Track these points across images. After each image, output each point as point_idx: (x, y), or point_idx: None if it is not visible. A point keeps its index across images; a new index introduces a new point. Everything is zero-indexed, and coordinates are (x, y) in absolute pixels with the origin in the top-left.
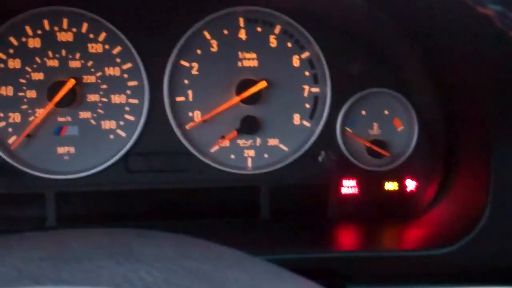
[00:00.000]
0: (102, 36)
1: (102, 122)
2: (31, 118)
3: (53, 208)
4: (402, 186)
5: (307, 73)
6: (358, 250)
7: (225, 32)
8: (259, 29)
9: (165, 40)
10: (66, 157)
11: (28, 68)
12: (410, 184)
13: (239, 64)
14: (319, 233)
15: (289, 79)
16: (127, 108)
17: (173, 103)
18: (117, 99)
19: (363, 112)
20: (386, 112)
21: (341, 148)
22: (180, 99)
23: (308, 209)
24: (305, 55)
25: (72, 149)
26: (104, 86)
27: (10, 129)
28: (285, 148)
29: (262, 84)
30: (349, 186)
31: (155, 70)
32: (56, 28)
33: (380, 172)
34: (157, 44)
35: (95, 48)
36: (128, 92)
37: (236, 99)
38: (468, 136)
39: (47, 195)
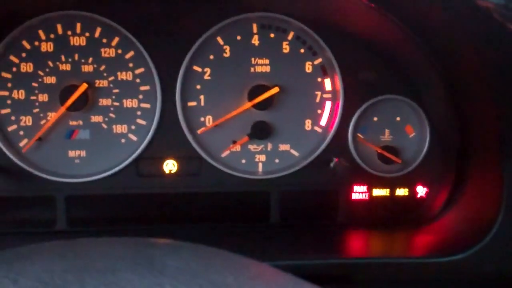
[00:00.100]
0: (115, 40)
1: (114, 126)
2: (42, 122)
3: (63, 211)
4: (412, 192)
5: (319, 79)
6: (368, 256)
7: (238, 38)
8: (272, 35)
9: (178, 45)
10: (77, 161)
11: (40, 72)
12: (421, 190)
13: (252, 69)
14: (330, 239)
15: (301, 85)
16: (138, 113)
17: (185, 108)
18: (129, 103)
19: (375, 119)
20: (398, 118)
21: (352, 154)
22: (192, 104)
23: (318, 214)
24: (318, 61)
25: (83, 153)
26: (116, 91)
27: (21, 132)
28: (296, 153)
29: (275, 90)
30: (359, 192)
31: (168, 75)
32: (69, 33)
33: (391, 178)
34: (170, 49)
35: (108, 52)
36: (140, 96)
37: (248, 104)
38: (480, 143)
39: (57, 198)
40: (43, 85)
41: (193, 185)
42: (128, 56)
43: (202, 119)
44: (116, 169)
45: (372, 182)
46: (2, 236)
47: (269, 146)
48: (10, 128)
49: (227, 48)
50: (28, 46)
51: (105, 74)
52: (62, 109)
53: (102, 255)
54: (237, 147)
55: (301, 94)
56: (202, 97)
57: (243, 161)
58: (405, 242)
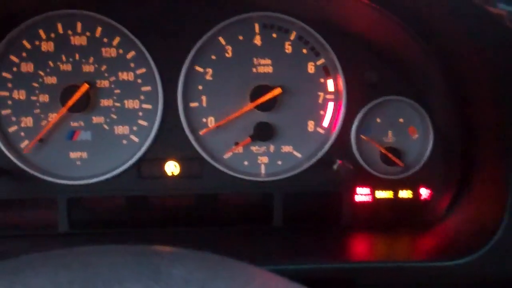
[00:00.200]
0: (116, 40)
1: (115, 127)
2: (43, 123)
3: (65, 214)
4: (416, 194)
5: (322, 80)
6: (371, 260)
7: (240, 38)
8: (274, 35)
9: (179, 45)
10: (78, 162)
11: (41, 72)
12: (425, 193)
13: (254, 70)
14: (333, 241)
15: (303, 86)
16: (140, 113)
17: (187, 108)
18: (130, 104)
19: (378, 120)
20: (401, 120)
21: (355, 155)
22: (194, 104)
23: (322, 216)
24: (320, 62)
25: (84, 154)
26: (117, 91)
27: (22, 134)
28: (299, 155)
29: (277, 91)
30: (363, 194)
31: (169, 75)
32: (69, 32)
33: (394, 180)
34: (171, 49)
35: (109, 52)
36: (142, 97)
37: (251, 105)
38: (485, 145)
39: (59, 200)
40: (43, 85)
41: (195, 187)
42: (129, 56)
43: (204, 120)
44: (118, 170)
45: (375, 184)
46: (3, 238)
47: (272, 148)
48: (10, 129)
49: (229, 48)
50: (28, 46)
51: (106, 74)
52: (63, 110)
53: (108, 265)
54: (240, 149)
55: (304, 95)
56: (204, 97)
57: (246, 162)
58: (409, 245)
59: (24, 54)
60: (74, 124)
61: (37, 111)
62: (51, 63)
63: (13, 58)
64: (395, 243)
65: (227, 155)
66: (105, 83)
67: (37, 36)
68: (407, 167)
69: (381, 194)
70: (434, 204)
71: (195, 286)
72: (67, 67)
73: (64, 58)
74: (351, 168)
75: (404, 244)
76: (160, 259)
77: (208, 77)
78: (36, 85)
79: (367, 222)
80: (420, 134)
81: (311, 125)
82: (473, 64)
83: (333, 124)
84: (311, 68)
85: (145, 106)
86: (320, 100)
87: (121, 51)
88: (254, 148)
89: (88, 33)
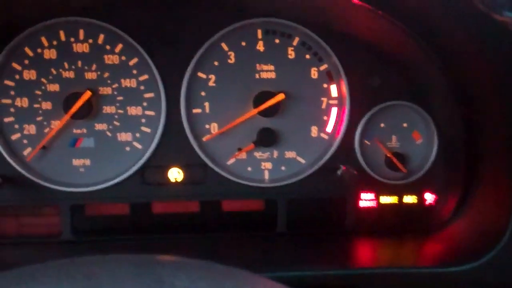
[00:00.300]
0: (119, 47)
1: (118, 134)
2: (46, 130)
3: (68, 221)
4: (421, 199)
5: (325, 85)
6: (376, 267)
7: (243, 44)
8: (277, 41)
9: (182, 52)
10: (81, 169)
11: (43, 80)
12: (430, 198)
13: (257, 76)
14: (337, 248)
15: (307, 92)
16: (143, 120)
17: (189, 115)
18: (133, 111)
19: (382, 125)
20: (405, 124)
21: (359, 161)
22: (197, 111)
23: (326, 222)
24: (324, 67)
25: (87, 161)
26: (120, 98)
27: (25, 141)
28: (302, 160)
29: (280, 97)
30: (367, 199)
31: (172, 82)
32: (72, 39)
33: (398, 185)
34: (174, 56)
35: (112, 59)
36: (145, 104)
37: (254, 111)
38: (490, 149)
39: (62, 207)
40: (46, 92)
41: (199, 193)
42: (132, 63)
43: (207, 126)
44: (121, 177)
45: (379, 189)
46: (6, 246)
47: (275, 153)
48: (13, 137)
49: (231, 54)
50: (30, 53)
51: (108, 81)
52: (66, 117)
53: (110, 276)
54: (243, 155)
55: (307, 101)
56: (207, 104)
57: (249, 168)
58: (414, 251)
59: (26, 62)
60: (77, 131)
61: (39, 118)
62: (53, 71)
63: (16, 65)
64: (400, 249)
65: (230, 161)
66: (107, 90)
67: (40, 43)
68: (411, 172)
69: (385, 199)
70: (439, 209)
71: None
72: (70, 75)
73: (66, 65)
74: (355, 174)
75: (409, 249)
76: (162, 269)
77: (211, 84)
78: (38, 92)
79: (371, 228)
80: (424, 139)
81: (314, 131)
82: (477, 69)
83: (337, 130)
84: (314, 73)
85: (148, 112)
86: (324, 106)
87: (123, 58)
88: (257, 154)
89: (90, 40)
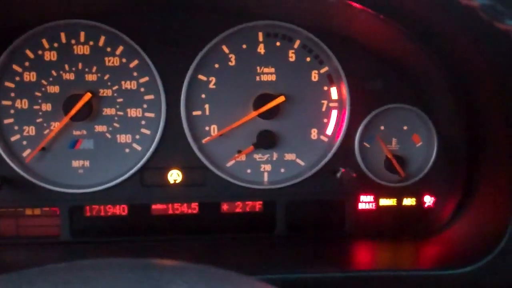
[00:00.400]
0: (119, 49)
1: (118, 136)
2: (46, 132)
3: (67, 223)
4: (420, 202)
5: (325, 88)
6: (375, 269)
7: (244, 46)
8: (278, 43)
9: (183, 54)
10: (80, 171)
11: (44, 81)
12: (429, 200)
13: (257, 78)
14: (336, 250)
15: (307, 94)
16: (143, 122)
17: (189, 117)
18: (133, 112)
19: (382, 128)
20: (405, 127)
21: (359, 163)
22: (197, 113)
23: (325, 224)
24: (324, 70)
25: (87, 163)
26: (120, 100)
27: (24, 142)
28: (302, 163)
29: (280, 99)
30: (366, 202)
31: (172, 84)
32: (73, 41)
33: (398, 187)
34: (175, 58)
35: (112, 61)
36: (145, 106)
37: (254, 113)
38: (490, 152)
39: (61, 209)
40: (46, 94)
41: (198, 195)
42: (132, 65)
43: (207, 128)
44: (120, 179)
45: (379, 191)
46: (5, 247)
47: (275, 156)
48: (13, 138)
49: (232, 56)
50: (31, 55)
51: (109, 83)
52: (66, 119)
53: (107, 281)
54: (242, 157)
55: (307, 103)
56: (207, 106)
57: (249, 170)
58: (413, 253)
59: (27, 64)
60: (76, 132)
61: (39, 120)
62: (54, 72)
63: (16, 67)
64: (399, 251)
65: (230, 163)
66: (108, 92)
67: (41, 45)
68: (411, 175)
69: (384, 202)
70: (438, 212)
71: None
72: (70, 76)
73: (67, 67)
74: (353, 176)
75: (408, 252)
76: (160, 275)
77: (212, 86)
78: (39, 94)
79: (370, 230)
80: (424, 142)
81: (314, 133)
82: (478, 72)
83: (337, 132)
84: (314, 76)
85: (148, 114)
86: (324, 108)
87: (124, 60)
88: (257, 156)
89: (91, 43)
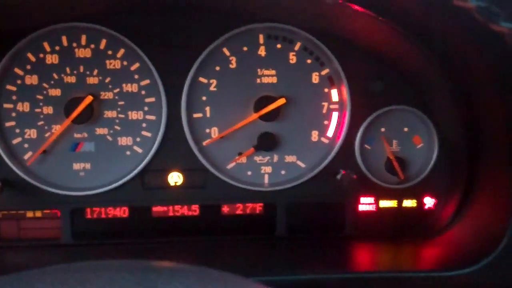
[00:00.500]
0: (121, 52)
1: (119, 138)
2: (47, 134)
3: (68, 225)
4: (420, 203)
5: (326, 90)
6: (375, 271)
7: (245, 48)
8: (279, 46)
9: (183, 57)
10: (82, 174)
11: (45, 84)
12: (429, 202)
13: (258, 80)
14: (337, 251)
15: (308, 96)
16: (144, 125)
17: (190, 119)
18: (134, 115)
19: (383, 129)
20: (405, 129)
21: (359, 165)
22: (197, 115)
23: (325, 226)
24: (325, 72)
25: (88, 165)
26: (121, 103)
27: (26, 145)
28: (302, 165)
29: (281, 101)
30: (367, 203)
31: (173, 86)
32: (74, 44)
33: (398, 189)
34: (175, 61)
35: (113, 64)
36: (146, 108)
37: (255, 115)
38: (491, 154)
39: (62, 211)
40: (48, 97)
41: (199, 197)
42: (133, 67)
43: (207, 130)
44: (121, 181)
45: (379, 193)
46: (7, 249)
47: (275, 158)
48: (14, 141)
49: (233, 59)
50: (33, 58)
51: (110, 86)
52: (67, 122)
53: (105, 283)
54: (243, 159)
55: (308, 105)
56: (207, 108)
57: (249, 172)
58: (413, 255)
59: (28, 67)
60: (77, 135)
61: (41, 123)
62: (55, 75)
63: (18, 70)
64: (399, 253)
65: (230, 166)
66: (109, 95)
67: (42, 48)
68: (411, 177)
69: (385, 203)
70: (438, 213)
71: None
72: (71, 79)
73: (68, 70)
74: (354, 178)
75: (408, 253)
76: (158, 277)
77: (212, 88)
78: (40, 97)
79: (371, 232)
80: (425, 143)
81: (315, 135)
82: (478, 74)
83: (337, 134)
84: (315, 78)
85: (148, 117)
86: (324, 110)
87: (125, 63)
88: (257, 158)
89: (92, 46)
